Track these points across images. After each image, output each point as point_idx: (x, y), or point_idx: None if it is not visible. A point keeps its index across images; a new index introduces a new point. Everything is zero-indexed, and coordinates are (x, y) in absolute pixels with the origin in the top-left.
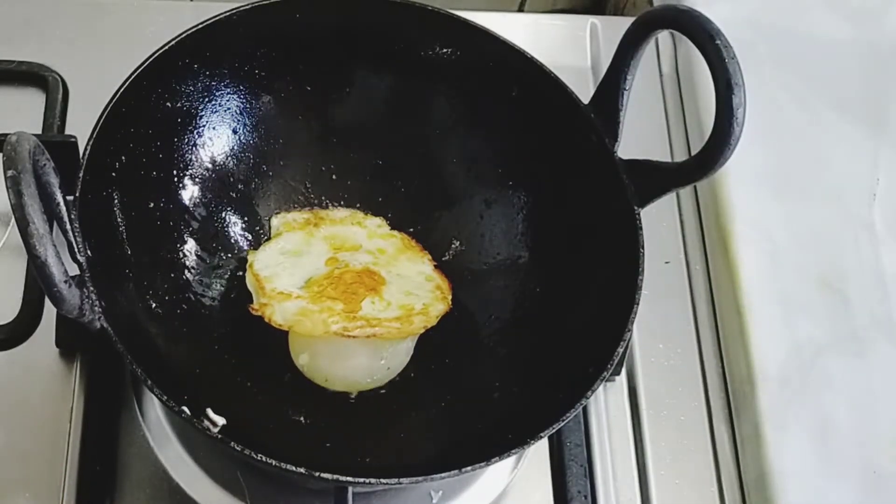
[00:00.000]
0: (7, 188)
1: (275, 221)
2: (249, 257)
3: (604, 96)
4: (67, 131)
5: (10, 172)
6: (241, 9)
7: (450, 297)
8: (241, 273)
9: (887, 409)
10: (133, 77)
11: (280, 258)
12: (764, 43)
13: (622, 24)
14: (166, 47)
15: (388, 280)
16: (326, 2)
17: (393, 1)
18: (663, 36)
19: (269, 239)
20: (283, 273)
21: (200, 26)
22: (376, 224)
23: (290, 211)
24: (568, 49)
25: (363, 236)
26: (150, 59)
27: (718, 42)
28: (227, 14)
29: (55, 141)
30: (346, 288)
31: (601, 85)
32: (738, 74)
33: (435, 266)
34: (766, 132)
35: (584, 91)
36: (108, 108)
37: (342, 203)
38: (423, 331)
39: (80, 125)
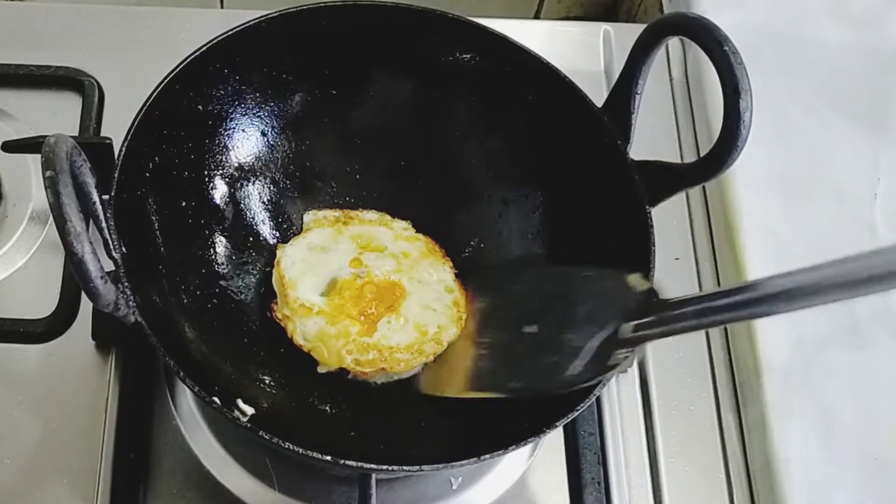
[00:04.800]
0: (45, 188)
1: (307, 217)
2: (279, 252)
3: (616, 100)
4: (103, 133)
5: (48, 173)
6: (270, 16)
7: (464, 317)
8: (269, 269)
9: (887, 399)
10: (166, 81)
11: (307, 253)
12: (770, 49)
13: (634, 30)
14: (198, 53)
15: (408, 290)
16: (351, 10)
17: (415, 9)
18: (673, 42)
19: (299, 233)
20: (308, 272)
21: (230, 33)
22: (402, 227)
23: (323, 209)
24: (582, 54)
25: (389, 238)
26: (182, 65)
27: (726, 48)
28: (256, 21)
29: (91, 142)
30: (365, 305)
31: (614, 89)
32: (745, 79)
33: (456, 275)
34: (771, 134)
35: (598, 95)
36: (142, 111)
37: (367, 201)
38: (432, 359)
39: (115, 127)
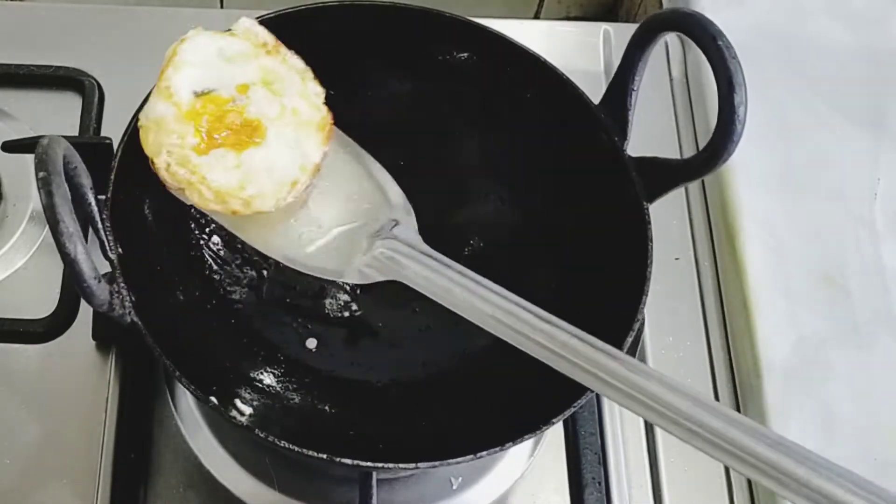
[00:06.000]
0: (38, 189)
1: (245, 21)
2: (193, 31)
3: (613, 97)
4: (103, 133)
5: (41, 174)
6: (267, 16)
7: (288, 201)
8: (266, 269)
9: (887, 399)
10: None
11: (212, 53)
12: (769, 48)
13: (633, 30)
14: None
15: (267, 141)
16: (349, 9)
17: (415, 9)
18: (673, 41)
19: (226, 31)
20: (198, 66)
21: None
22: (315, 92)
23: (264, 23)
24: (582, 54)
25: (294, 91)
26: None
27: (720, 43)
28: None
29: (91, 142)
30: (218, 128)
31: (611, 86)
32: (740, 73)
33: (320, 161)
34: (771, 134)
35: (597, 95)
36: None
37: None
38: (225, 214)
39: (115, 127)
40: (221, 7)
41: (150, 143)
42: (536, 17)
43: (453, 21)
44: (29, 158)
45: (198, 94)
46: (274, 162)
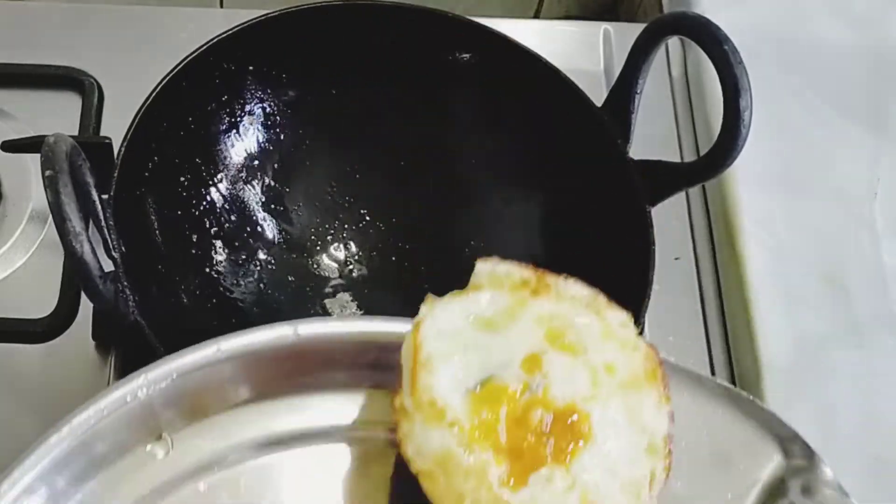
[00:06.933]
0: (45, 187)
1: (481, 267)
2: (425, 307)
3: (616, 99)
4: (102, 133)
5: (47, 172)
6: (270, 16)
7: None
8: (266, 268)
9: (888, 398)
10: (165, 81)
11: (464, 327)
12: (770, 48)
13: (634, 30)
14: (198, 52)
15: (593, 435)
16: (349, 10)
17: (415, 8)
18: (673, 41)
19: (462, 289)
20: (457, 354)
21: (230, 32)
22: (619, 321)
23: (507, 260)
24: (582, 54)
25: (595, 334)
26: (182, 64)
27: (726, 48)
28: (256, 21)
29: (91, 142)
30: (524, 438)
31: (614, 89)
32: (745, 79)
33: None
34: (771, 133)
35: (598, 94)
36: (142, 111)
37: (366, 201)
38: None
39: (115, 127)
40: (221, 7)
41: (440, 495)
42: (536, 16)
43: (455, 21)
44: (28, 158)
45: (472, 395)
46: (614, 458)
